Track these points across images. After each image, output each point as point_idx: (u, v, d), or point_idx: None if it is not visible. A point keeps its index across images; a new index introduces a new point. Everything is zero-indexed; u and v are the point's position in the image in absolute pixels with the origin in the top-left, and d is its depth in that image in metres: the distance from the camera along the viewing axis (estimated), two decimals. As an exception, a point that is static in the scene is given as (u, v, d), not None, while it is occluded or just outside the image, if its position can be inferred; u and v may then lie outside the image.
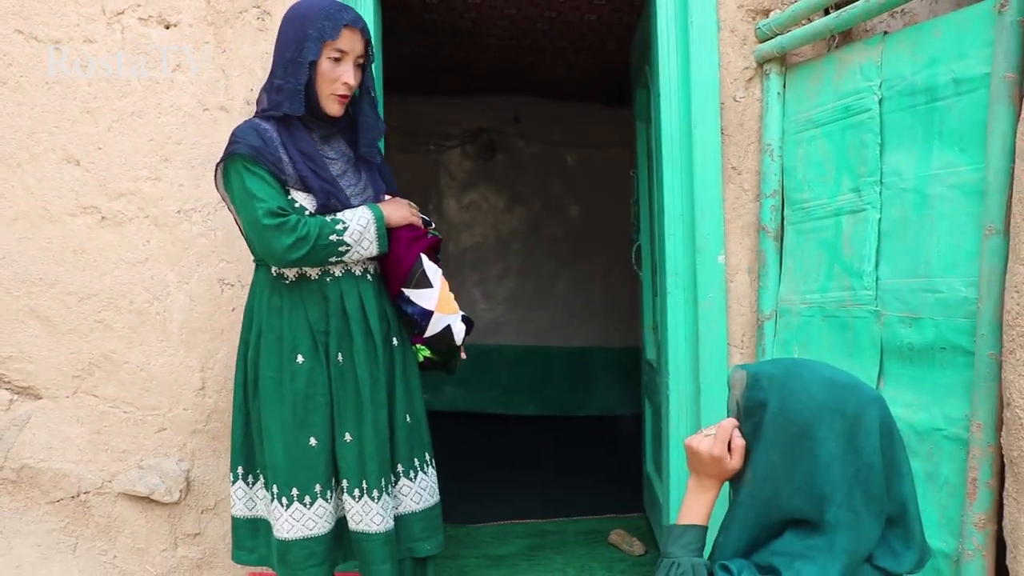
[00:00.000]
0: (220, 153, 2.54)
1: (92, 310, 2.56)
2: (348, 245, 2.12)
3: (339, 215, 2.13)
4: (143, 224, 2.57)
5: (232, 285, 2.59)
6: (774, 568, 1.42)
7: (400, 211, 2.25)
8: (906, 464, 1.45)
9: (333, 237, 2.09)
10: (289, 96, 2.09)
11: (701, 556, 1.52)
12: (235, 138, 2.10)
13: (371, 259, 2.24)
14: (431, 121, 6.45)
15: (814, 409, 1.42)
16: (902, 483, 1.44)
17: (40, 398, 2.58)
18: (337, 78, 2.12)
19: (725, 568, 1.46)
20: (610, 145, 6.38)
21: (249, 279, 2.56)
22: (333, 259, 2.12)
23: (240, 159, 2.07)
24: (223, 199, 2.23)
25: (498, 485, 4.53)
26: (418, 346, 2.33)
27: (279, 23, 2.53)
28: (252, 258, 2.51)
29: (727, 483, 1.57)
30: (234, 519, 2.27)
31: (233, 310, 2.58)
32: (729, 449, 1.51)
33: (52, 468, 2.56)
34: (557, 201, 6.69)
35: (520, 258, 6.72)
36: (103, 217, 2.57)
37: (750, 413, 1.50)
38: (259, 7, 2.58)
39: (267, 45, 2.57)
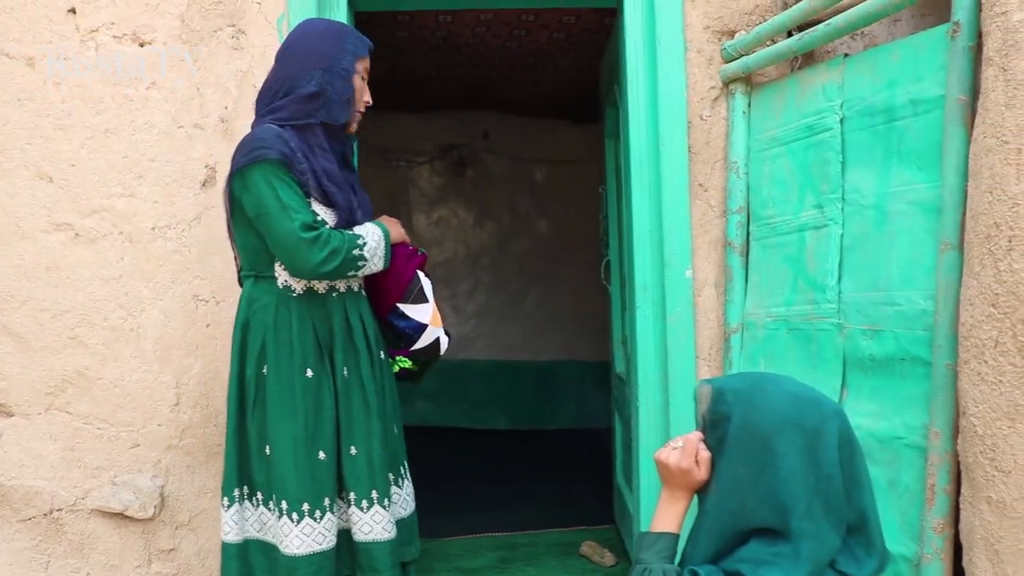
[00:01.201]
0: (195, 170, 2.59)
1: (65, 326, 2.56)
2: (365, 260, 2.17)
3: (356, 230, 2.19)
4: (117, 241, 2.58)
5: (206, 301, 2.60)
6: (740, 574, 1.47)
7: (396, 228, 2.33)
8: (865, 475, 1.51)
9: (356, 251, 2.14)
10: (326, 104, 2.12)
11: (672, 563, 1.56)
12: (262, 143, 2.06)
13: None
14: (401, 137, 6.48)
15: (776, 423, 1.47)
16: (862, 493, 1.49)
17: (12, 415, 2.57)
18: (363, 96, 2.23)
19: (694, 573, 1.50)
20: (579, 161, 6.46)
21: (224, 296, 2.59)
22: (351, 274, 2.16)
23: (271, 165, 2.05)
24: (227, 203, 2.19)
25: (470, 499, 4.55)
26: (398, 357, 2.38)
27: (255, 42, 2.60)
28: (228, 274, 2.54)
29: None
30: (226, 546, 2.21)
31: (208, 326, 2.60)
32: (696, 461, 1.56)
33: (24, 486, 2.55)
34: (526, 216, 6.75)
35: (490, 273, 6.76)
36: (76, 234, 2.57)
37: (715, 426, 1.56)
38: (234, 26, 2.61)
39: (242, 63, 2.60)
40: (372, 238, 2.19)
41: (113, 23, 2.59)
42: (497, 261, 6.75)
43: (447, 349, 2.41)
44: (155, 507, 2.56)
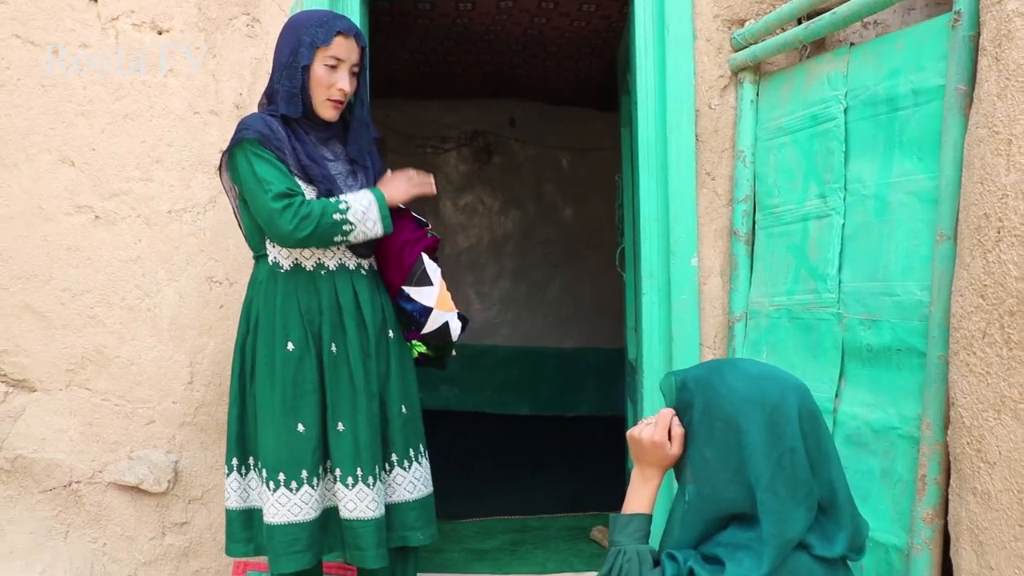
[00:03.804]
0: (211, 155, 2.65)
1: (85, 306, 2.65)
2: (352, 224, 2.19)
3: (341, 196, 2.22)
4: (135, 223, 2.66)
5: (220, 283, 2.67)
6: (718, 558, 1.49)
7: (399, 188, 2.33)
8: (831, 447, 1.53)
9: (336, 216, 2.17)
10: (285, 99, 2.19)
11: (646, 543, 1.59)
12: (243, 125, 2.18)
13: (366, 256, 2.32)
14: (428, 124, 6.53)
15: (736, 403, 1.50)
16: (828, 466, 1.51)
17: (35, 391, 2.66)
18: (332, 84, 2.21)
19: (671, 557, 1.53)
20: (604, 149, 6.45)
21: (237, 277, 2.66)
22: (339, 239, 2.20)
23: (248, 144, 2.15)
24: (226, 190, 2.31)
25: (487, 482, 4.61)
26: (414, 342, 2.40)
27: (269, 30, 2.65)
28: (241, 256, 2.61)
29: (671, 473, 1.65)
30: (228, 512, 2.31)
31: (221, 307, 2.67)
32: (670, 437, 1.59)
33: (45, 458, 2.65)
34: (551, 204, 6.77)
35: (514, 260, 6.80)
36: (96, 216, 2.65)
37: (682, 415, 1.60)
38: (248, 14, 2.67)
39: (256, 51, 2.66)
40: (359, 203, 2.21)
41: (132, 11, 2.66)
42: (522, 248, 6.79)
43: (466, 334, 2.41)
44: (169, 482, 2.64)
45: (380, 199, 2.26)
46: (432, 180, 2.41)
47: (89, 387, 2.66)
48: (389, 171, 2.41)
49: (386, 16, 4.34)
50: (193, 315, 2.67)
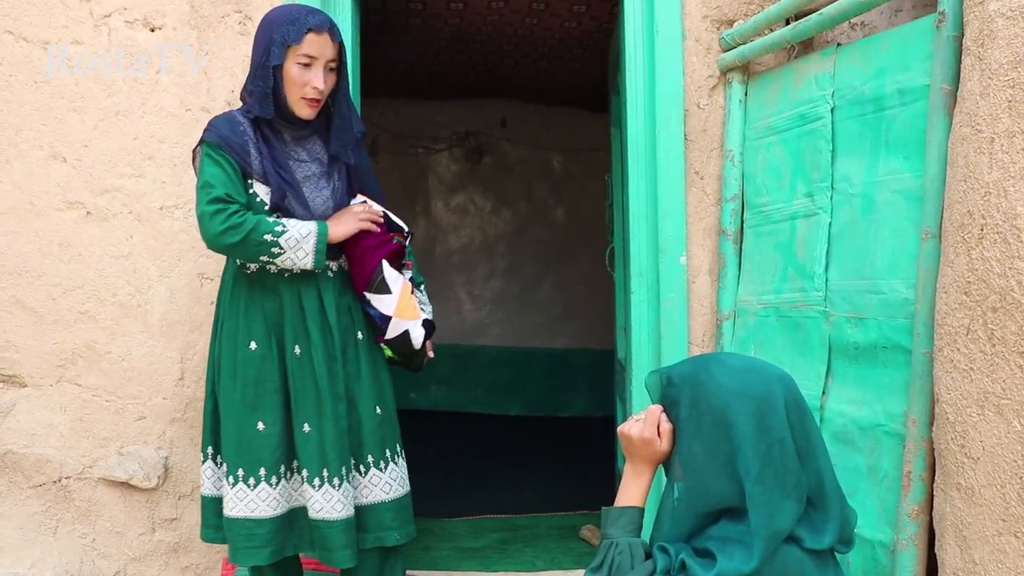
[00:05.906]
0: (202, 152, 2.66)
1: (76, 301, 2.66)
2: (282, 249, 2.14)
3: (284, 220, 2.17)
4: (127, 219, 2.67)
5: (211, 279, 2.68)
6: (709, 551, 1.51)
7: (345, 226, 2.25)
8: (818, 437, 1.55)
9: (268, 236, 2.12)
10: (258, 99, 2.17)
11: (639, 536, 1.61)
12: (208, 126, 2.19)
13: (334, 258, 2.28)
14: (419, 124, 6.55)
15: (723, 397, 1.52)
16: (816, 455, 1.53)
17: (25, 386, 2.67)
18: (307, 82, 2.16)
19: (663, 550, 1.54)
20: (595, 149, 6.47)
21: (228, 274, 2.67)
22: (264, 258, 2.16)
23: (206, 145, 2.16)
24: None
25: (477, 482, 4.61)
26: (383, 345, 2.38)
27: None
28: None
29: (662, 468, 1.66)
30: (203, 498, 2.34)
31: (212, 303, 2.66)
32: (659, 433, 1.61)
33: (35, 454, 2.65)
34: (543, 204, 6.79)
35: (506, 260, 6.82)
36: (88, 212, 2.66)
37: (669, 411, 1.61)
38: (241, 11, 2.68)
39: (247, 48, 2.65)
40: (297, 231, 2.16)
41: (125, 8, 2.67)
42: (513, 248, 6.81)
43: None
44: (159, 477, 2.65)
45: (322, 234, 2.19)
46: (378, 210, 2.35)
47: (79, 383, 2.67)
48: (361, 198, 2.36)
49: (378, 15, 4.35)
50: (184, 311, 2.67)
